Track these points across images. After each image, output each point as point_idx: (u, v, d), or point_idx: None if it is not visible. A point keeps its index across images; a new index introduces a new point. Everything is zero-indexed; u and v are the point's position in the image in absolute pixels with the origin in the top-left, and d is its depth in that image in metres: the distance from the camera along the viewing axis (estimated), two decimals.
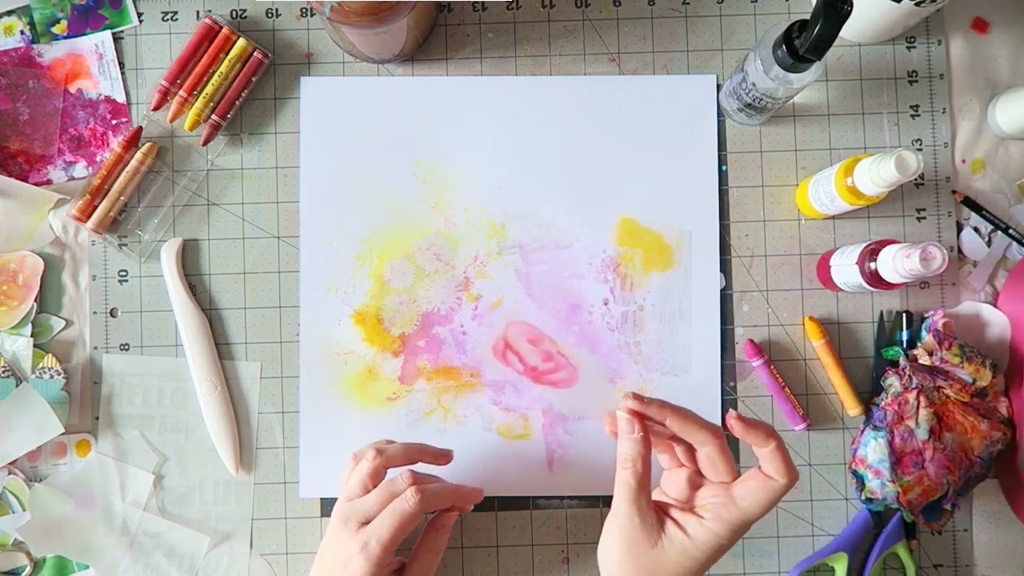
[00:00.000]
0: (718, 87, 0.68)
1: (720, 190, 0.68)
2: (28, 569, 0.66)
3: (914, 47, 0.69)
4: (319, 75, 0.68)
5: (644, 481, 0.50)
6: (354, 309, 0.67)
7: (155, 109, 0.67)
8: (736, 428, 0.50)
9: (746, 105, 0.63)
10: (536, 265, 0.67)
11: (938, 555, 0.67)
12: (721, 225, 0.68)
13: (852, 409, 0.66)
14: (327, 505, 0.67)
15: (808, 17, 0.54)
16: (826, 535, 0.67)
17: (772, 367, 0.66)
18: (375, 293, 0.67)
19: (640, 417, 0.50)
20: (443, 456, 0.61)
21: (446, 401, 0.67)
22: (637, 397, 0.50)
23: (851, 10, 0.52)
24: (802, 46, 0.54)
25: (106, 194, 0.66)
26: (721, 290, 0.67)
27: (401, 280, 0.67)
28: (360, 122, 0.68)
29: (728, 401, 0.67)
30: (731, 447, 0.67)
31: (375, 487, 0.57)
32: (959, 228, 0.68)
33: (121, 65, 0.68)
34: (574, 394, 0.67)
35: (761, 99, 0.62)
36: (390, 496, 0.56)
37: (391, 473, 0.59)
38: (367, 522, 0.56)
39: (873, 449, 0.64)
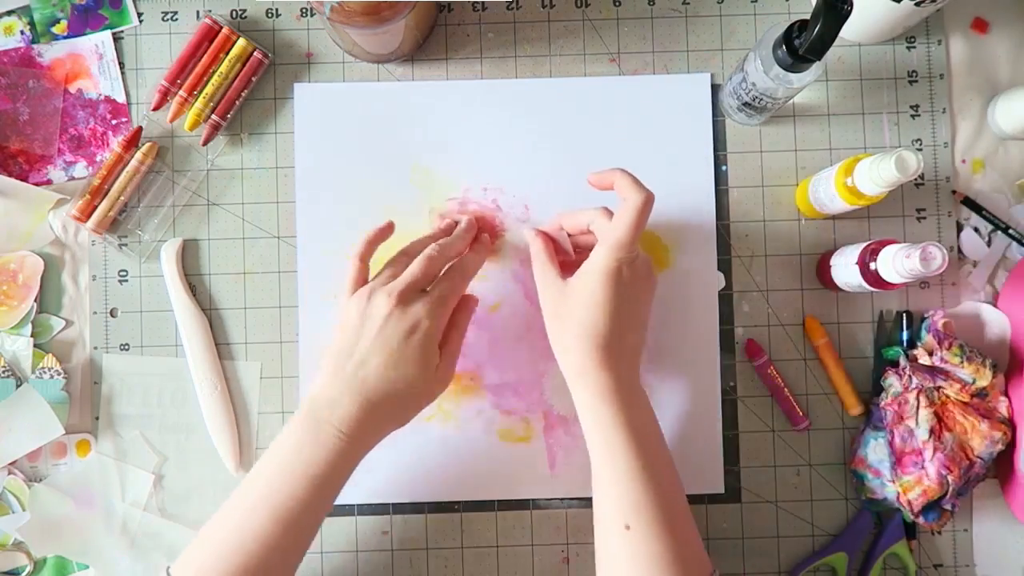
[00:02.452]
0: (714, 85, 0.68)
1: (720, 190, 0.68)
2: (28, 569, 0.66)
3: (914, 47, 0.68)
4: (319, 75, 0.68)
5: (547, 247, 0.60)
6: None
7: (155, 109, 0.67)
8: (591, 180, 0.59)
9: (745, 104, 0.63)
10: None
11: (938, 555, 0.67)
12: (721, 225, 0.68)
13: (852, 409, 0.66)
14: None
15: (808, 17, 0.54)
16: (826, 535, 0.67)
17: (772, 367, 0.66)
18: None
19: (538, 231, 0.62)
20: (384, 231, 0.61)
21: (447, 406, 0.67)
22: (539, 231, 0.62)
23: (851, 10, 0.52)
24: (802, 46, 0.54)
25: (106, 194, 0.66)
26: (721, 290, 0.67)
27: None
28: (355, 128, 0.68)
29: (728, 401, 0.67)
30: (729, 449, 0.67)
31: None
32: (959, 228, 0.68)
33: (121, 65, 0.68)
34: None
35: (761, 99, 0.61)
36: (428, 262, 0.58)
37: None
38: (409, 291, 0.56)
39: (873, 449, 0.64)
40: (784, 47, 0.56)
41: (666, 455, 0.56)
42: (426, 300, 0.56)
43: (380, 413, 0.55)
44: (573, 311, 0.56)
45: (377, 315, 0.55)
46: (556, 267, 0.59)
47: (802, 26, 0.55)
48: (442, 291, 0.57)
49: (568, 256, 0.61)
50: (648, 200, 0.55)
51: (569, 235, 0.62)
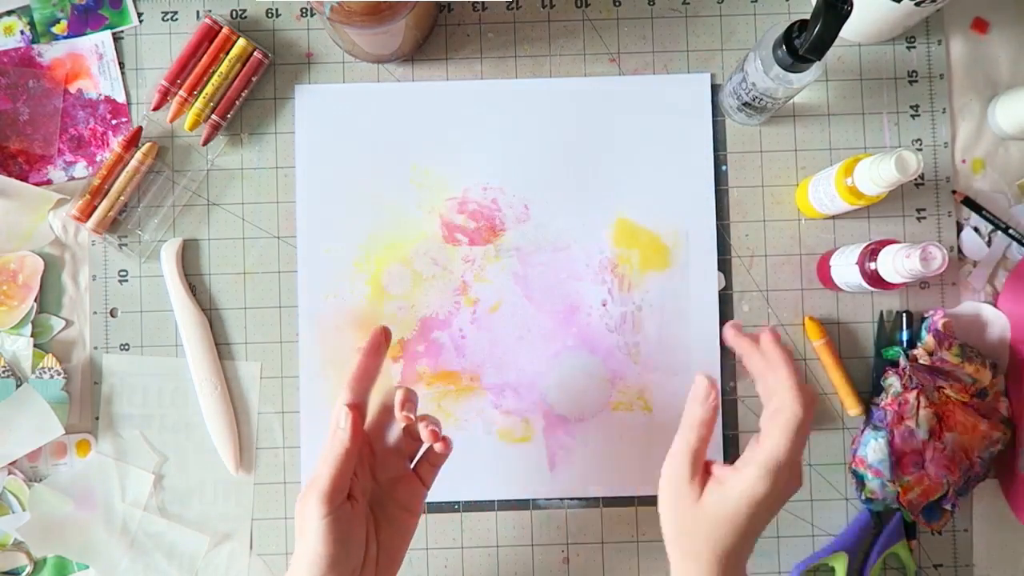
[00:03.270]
0: (714, 86, 0.68)
1: (720, 190, 0.68)
2: (28, 569, 0.66)
3: (914, 47, 0.68)
4: (319, 75, 0.68)
5: (701, 447, 0.52)
6: (353, 315, 0.67)
7: (155, 109, 0.67)
8: (728, 337, 0.53)
9: (745, 104, 0.63)
10: (534, 267, 0.67)
11: (938, 555, 0.67)
12: (721, 225, 0.68)
13: (852, 409, 0.66)
14: None
15: (808, 17, 0.54)
16: (826, 535, 0.67)
17: None
18: (373, 299, 0.67)
19: (714, 389, 0.53)
20: (378, 341, 0.55)
21: (447, 405, 0.67)
22: (736, 327, 0.54)
23: (851, 10, 0.52)
24: (802, 46, 0.54)
25: (106, 194, 0.66)
26: (721, 290, 0.67)
27: (399, 285, 0.67)
28: (355, 129, 0.68)
29: (728, 401, 0.67)
30: (729, 449, 0.67)
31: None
32: (959, 228, 0.68)
33: (121, 65, 0.68)
34: (574, 396, 0.67)
35: (761, 98, 0.61)
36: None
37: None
38: None
39: (873, 449, 0.64)
40: (784, 47, 0.56)
41: None
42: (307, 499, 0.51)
43: None
44: (702, 526, 0.51)
45: None
46: (701, 471, 0.52)
47: (802, 26, 0.55)
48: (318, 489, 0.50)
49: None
50: (810, 409, 0.49)
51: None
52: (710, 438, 0.52)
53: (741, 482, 0.49)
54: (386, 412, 0.56)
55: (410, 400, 0.54)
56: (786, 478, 0.50)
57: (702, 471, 0.52)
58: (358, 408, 0.52)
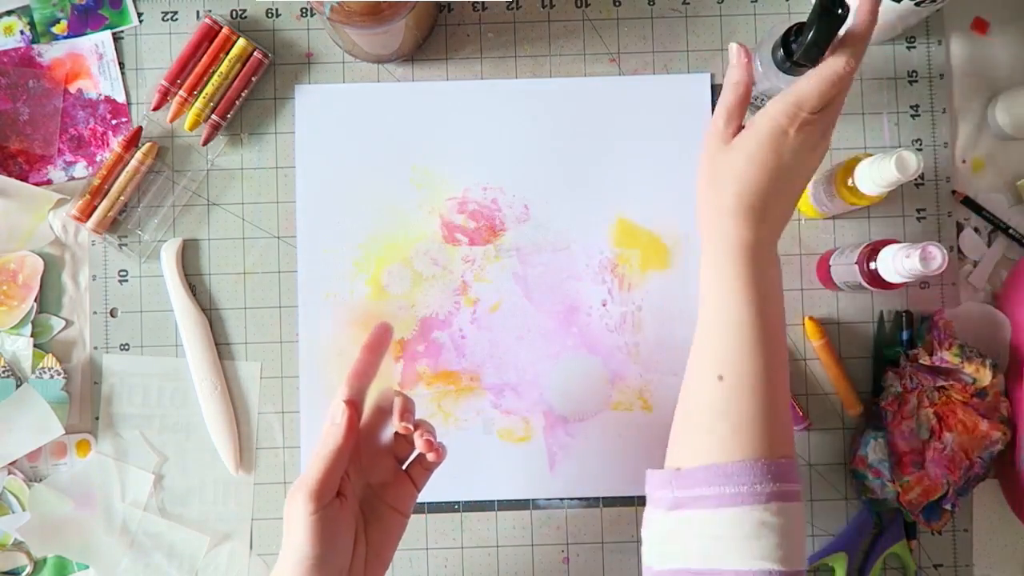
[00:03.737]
0: (714, 86, 0.68)
1: None
2: (28, 569, 0.66)
3: (914, 47, 0.68)
4: (319, 75, 0.68)
5: (736, 103, 0.53)
6: (353, 315, 0.67)
7: (155, 109, 0.67)
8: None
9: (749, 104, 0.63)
10: (534, 267, 0.67)
11: (938, 555, 0.67)
12: None
13: (852, 409, 0.66)
14: None
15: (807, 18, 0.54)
16: (826, 535, 0.67)
17: None
18: (373, 299, 0.67)
19: (747, 53, 0.53)
20: (377, 340, 0.54)
21: (447, 406, 0.67)
22: (742, 46, 0.54)
23: (846, 15, 0.51)
24: (797, 51, 0.54)
25: (106, 194, 0.66)
26: None
27: (399, 285, 0.67)
28: (355, 129, 0.68)
29: None
30: None
31: None
32: (959, 228, 0.68)
33: (121, 65, 0.68)
34: (574, 396, 0.67)
35: (762, 99, 0.61)
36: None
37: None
38: None
39: (873, 449, 0.64)
40: (782, 50, 0.56)
41: (780, 322, 0.52)
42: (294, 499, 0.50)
43: None
44: (729, 166, 0.51)
45: None
46: (735, 124, 0.53)
47: (799, 29, 0.55)
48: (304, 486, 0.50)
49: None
50: (848, 70, 0.49)
51: None
52: (748, 98, 0.54)
53: (765, 115, 0.50)
54: (381, 412, 0.56)
55: (409, 410, 0.54)
56: (812, 126, 0.50)
57: (737, 125, 0.53)
58: (355, 405, 0.52)
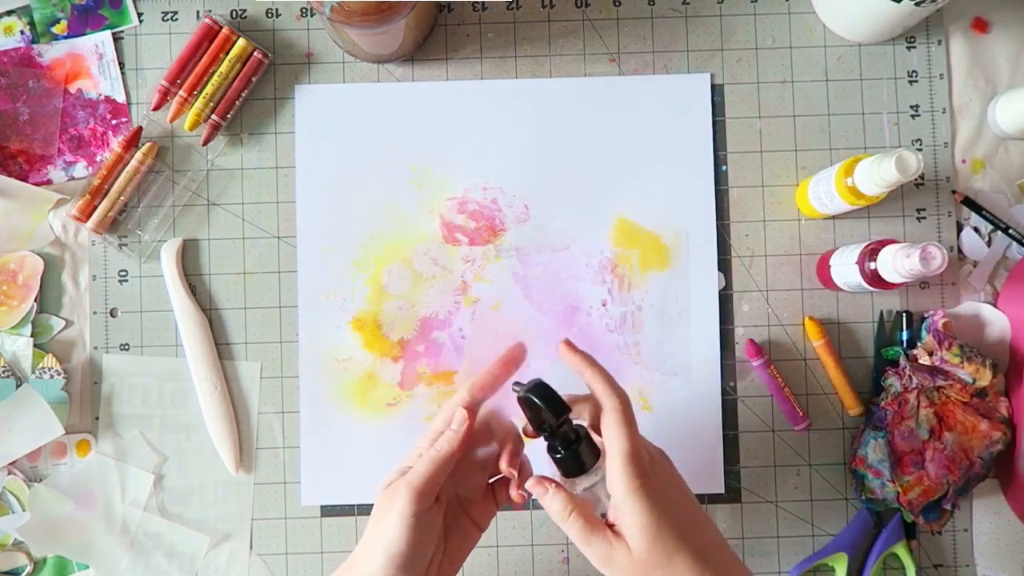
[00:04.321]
0: (714, 85, 0.68)
1: (720, 190, 0.68)
2: (28, 569, 0.66)
3: (914, 47, 0.68)
4: (319, 75, 0.68)
5: (589, 521, 0.49)
6: (352, 315, 0.67)
7: (155, 109, 0.67)
8: (562, 352, 0.53)
9: None
10: (534, 267, 0.67)
11: (938, 555, 0.67)
12: (721, 225, 0.68)
13: (852, 409, 0.66)
14: (327, 507, 0.67)
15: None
16: (826, 535, 0.67)
17: (772, 367, 0.66)
18: (373, 299, 0.67)
19: (548, 482, 0.50)
20: (511, 362, 0.53)
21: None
22: (568, 344, 0.53)
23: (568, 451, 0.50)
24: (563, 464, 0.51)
25: (106, 194, 0.66)
26: (721, 290, 0.67)
27: (399, 285, 0.67)
28: (355, 129, 0.68)
29: (728, 401, 0.67)
30: (729, 449, 0.67)
31: None
32: (959, 228, 0.68)
33: (121, 65, 0.68)
34: None
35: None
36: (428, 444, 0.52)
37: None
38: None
39: (873, 449, 0.64)
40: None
41: None
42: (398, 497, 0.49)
43: None
44: (641, 556, 0.47)
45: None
46: (600, 527, 0.49)
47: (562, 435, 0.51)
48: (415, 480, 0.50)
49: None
50: (625, 401, 0.49)
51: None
52: (581, 505, 0.50)
53: (616, 496, 0.48)
54: (488, 429, 0.54)
55: (518, 454, 0.53)
56: (648, 458, 0.49)
57: (606, 533, 0.49)
58: (473, 414, 0.52)
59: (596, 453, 0.50)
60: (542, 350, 0.67)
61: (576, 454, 0.49)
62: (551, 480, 0.50)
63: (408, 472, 0.50)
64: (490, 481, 0.55)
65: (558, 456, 0.50)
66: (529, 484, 0.51)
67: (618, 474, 0.48)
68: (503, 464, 0.52)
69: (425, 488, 0.49)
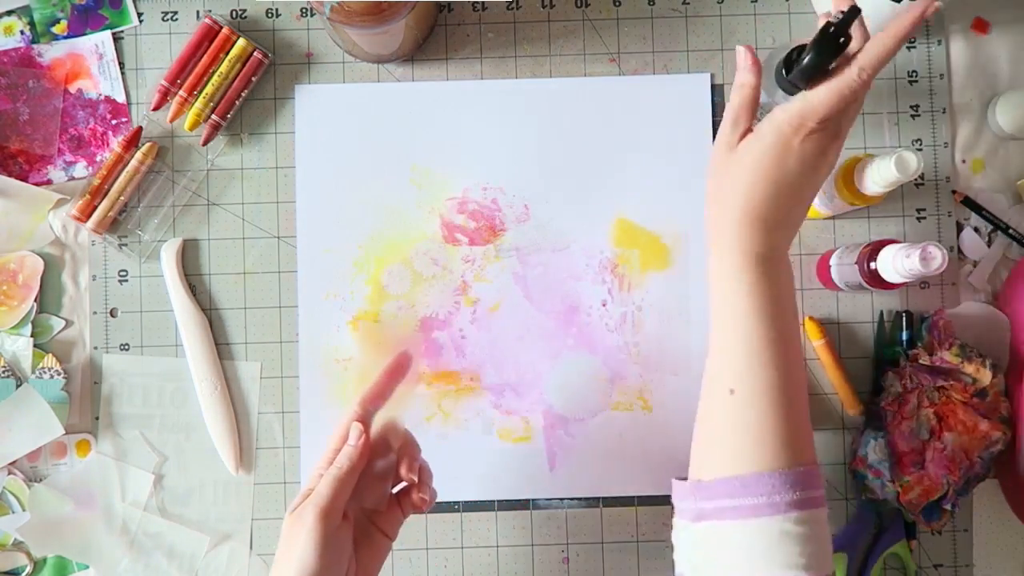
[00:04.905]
0: (714, 86, 0.68)
1: None
2: (28, 569, 0.66)
3: (914, 47, 0.68)
4: (319, 75, 0.68)
5: (743, 107, 0.52)
6: (352, 315, 0.67)
7: (155, 109, 0.67)
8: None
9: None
10: (533, 268, 0.67)
11: (938, 555, 0.67)
12: None
13: (852, 409, 0.66)
14: None
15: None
16: None
17: None
18: (373, 299, 0.67)
19: (753, 56, 0.52)
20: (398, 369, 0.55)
21: (446, 406, 0.67)
22: (749, 48, 0.53)
23: (847, 44, 0.51)
24: (793, 72, 0.53)
25: (106, 194, 0.66)
26: None
27: (399, 285, 0.67)
28: (355, 129, 0.68)
29: None
30: None
31: None
32: (959, 228, 0.68)
33: (121, 65, 0.68)
34: (574, 396, 0.67)
35: (762, 114, 0.61)
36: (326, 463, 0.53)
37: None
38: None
39: (873, 449, 0.64)
40: (784, 70, 0.55)
41: (792, 330, 0.50)
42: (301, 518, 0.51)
43: None
44: (735, 175, 0.50)
45: None
46: (743, 127, 0.51)
47: (801, 50, 0.54)
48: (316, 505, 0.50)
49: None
50: (863, 82, 0.47)
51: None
52: (756, 101, 0.52)
53: (771, 123, 0.49)
54: (384, 440, 0.55)
55: (415, 457, 0.55)
56: (819, 135, 0.49)
57: (744, 129, 0.51)
58: (367, 426, 0.53)
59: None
60: (542, 350, 0.67)
61: (823, 70, 0.49)
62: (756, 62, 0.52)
63: (311, 494, 0.51)
64: (394, 491, 0.56)
65: (813, 60, 0.49)
66: (741, 52, 0.52)
67: (782, 120, 0.49)
68: (403, 471, 0.54)
69: (330, 507, 0.50)
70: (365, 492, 0.55)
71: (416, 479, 0.54)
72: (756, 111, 0.52)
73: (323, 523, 0.49)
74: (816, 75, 0.50)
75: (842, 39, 0.49)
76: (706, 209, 0.53)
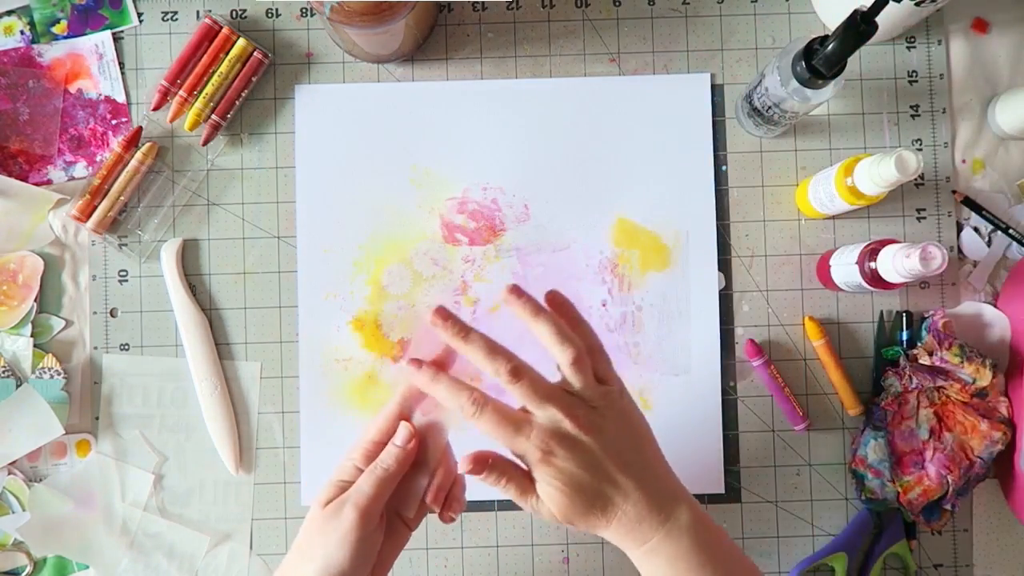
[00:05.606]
0: (714, 86, 0.68)
1: (720, 190, 0.68)
2: (28, 569, 0.66)
3: (914, 47, 0.68)
4: (319, 75, 0.68)
5: (520, 487, 0.50)
6: (353, 315, 0.67)
7: (155, 109, 0.67)
8: (506, 299, 0.50)
9: (755, 111, 0.63)
10: (534, 267, 0.67)
11: (938, 555, 0.67)
12: (721, 225, 0.68)
13: (852, 409, 0.66)
14: None
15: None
16: (826, 535, 0.67)
17: (772, 367, 0.66)
18: (373, 299, 0.67)
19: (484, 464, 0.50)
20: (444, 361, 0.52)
21: None
22: (514, 290, 0.51)
23: (873, 31, 0.51)
24: (817, 59, 0.54)
25: (106, 194, 0.66)
26: (721, 290, 0.67)
27: (399, 285, 0.67)
28: (355, 129, 0.68)
29: (728, 401, 0.67)
30: (729, 449, 0.67)
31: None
32: (959, 228, 0.68)
33: (121, 65, 0.68)
34: None
35: (771, 109, 0.61)
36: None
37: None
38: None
39: (873, 449, 0.64)
40: (804, 62, 0.56)
41: (734, 564, 0.49)
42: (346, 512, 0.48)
43: None
44: (564, 522, 0.49)
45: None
46: (531, 493, 0.50)
47: (823, 40, 0.55)
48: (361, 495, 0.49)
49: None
50: (574, 352, 0.48)
51: None
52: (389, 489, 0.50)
53: (535, 472, 0.48)
54: (423, 444, 0.53)
55: (444, 489, 0.52)
56: (548, 430, 0.47)
57: (528, 490, 0.50)
58: (410, 423, 0.51)
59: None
60: (542, 350, 0.67)
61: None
62: (486, 458, 0.49)
63: (351, 490, 0.49)
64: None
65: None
66: (463, 466, 0.48)
67: (534, 439, 0.47)
68: (429, 498, 0.51)
69: (372, 508, 0.48)
70: (400, 495, 0.52)
71: (437, 510, 0.51)
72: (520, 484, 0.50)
73: (362, 523, 0.47)
74: (839, 63, 0.51)
75: (869, 27, 0.50)
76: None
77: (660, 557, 0.48)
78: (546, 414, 0.47)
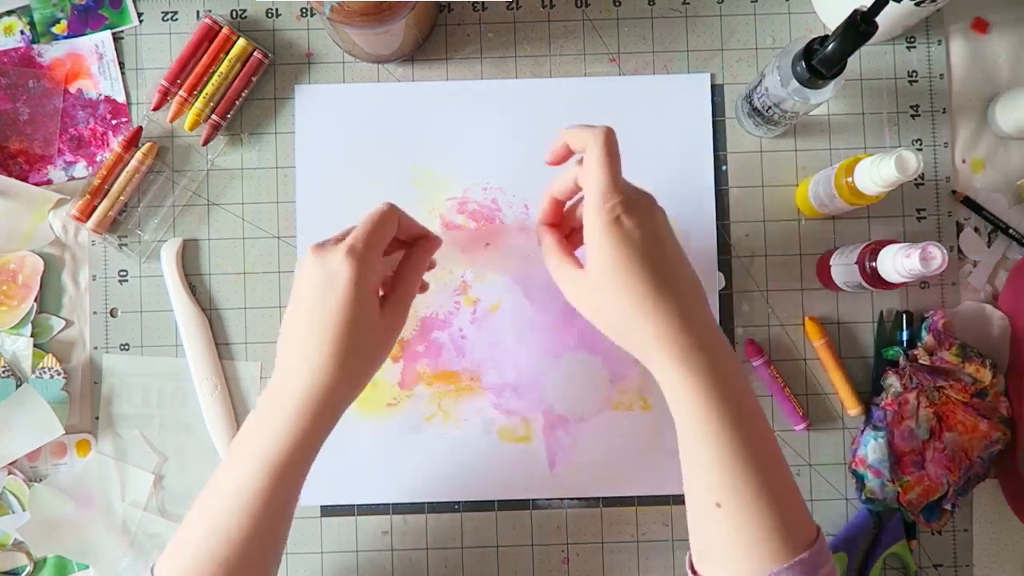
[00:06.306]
0: (714, 86, 0.68)
1: (720, 190, 0.68)
2: (28, 569, 0.66)
3: (914, 47, 0.68)
4: (319, 75, 0.68)
5: (561, 244, 0.53)
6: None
7: (155, 109, 0.67)
8: (550, 160, 0.54)
9: (755, 110, 0.63)
10: (534, 268, 0.67)
11: (938, 555, 0.67)
12: (721, 225, 0.68)
13: (852, 409, 0.66)
14: (327, 507, 0.67)
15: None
16: (826, 535, 0.67)
17: (772, 367, 0.66)
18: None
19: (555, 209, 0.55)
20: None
21: (446, 406, 0.67)
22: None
23: (873, 31, 0.51)
24: (816, 59, 0.54)
25: (106, 194, 0.66)
26: (721, 290, 0.67)
27: None
28: (355, 129, 0.68)
29: None
30: None
31: None
32: (959, 228, 0.68)
33: (121, 65, 0.68)
34: (574, 396, 0.67)
35: (771, 109, 0.61)
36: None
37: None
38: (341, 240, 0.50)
39: (873, 449, 0.64)
40: (804, 62, 0.56)
41: (756, 417, 0.49)
42: (341, 247, 0.49)
43: (322, 384, 0.49)
44: (603, 300, 0.49)
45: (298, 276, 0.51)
46: (570, 259, 0.52)
47: (823, 40, 0.55)
48: (355, 235, 0.50)
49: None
50: (607, 134, 0.49)
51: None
52: (560, 231, 0.54)
53: (587, 230, 0.49)
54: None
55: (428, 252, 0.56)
56: (627, 200, 0.48)
57: (573, 258, 0.52)
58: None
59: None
60: (542, 350, 0.67)
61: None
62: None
63: (345, 240, 0.49)
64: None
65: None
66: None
67: (592, 217, 0.48)
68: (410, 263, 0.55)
69: (364, 247, 0.49)
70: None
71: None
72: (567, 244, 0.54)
73: (354, 260, 0.48)
74: (839, 63, 0.51)
75: (870, 27, 0.50)
76: (608, 335, 0.51)
77: (692, 372, 0.47)
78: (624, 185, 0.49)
